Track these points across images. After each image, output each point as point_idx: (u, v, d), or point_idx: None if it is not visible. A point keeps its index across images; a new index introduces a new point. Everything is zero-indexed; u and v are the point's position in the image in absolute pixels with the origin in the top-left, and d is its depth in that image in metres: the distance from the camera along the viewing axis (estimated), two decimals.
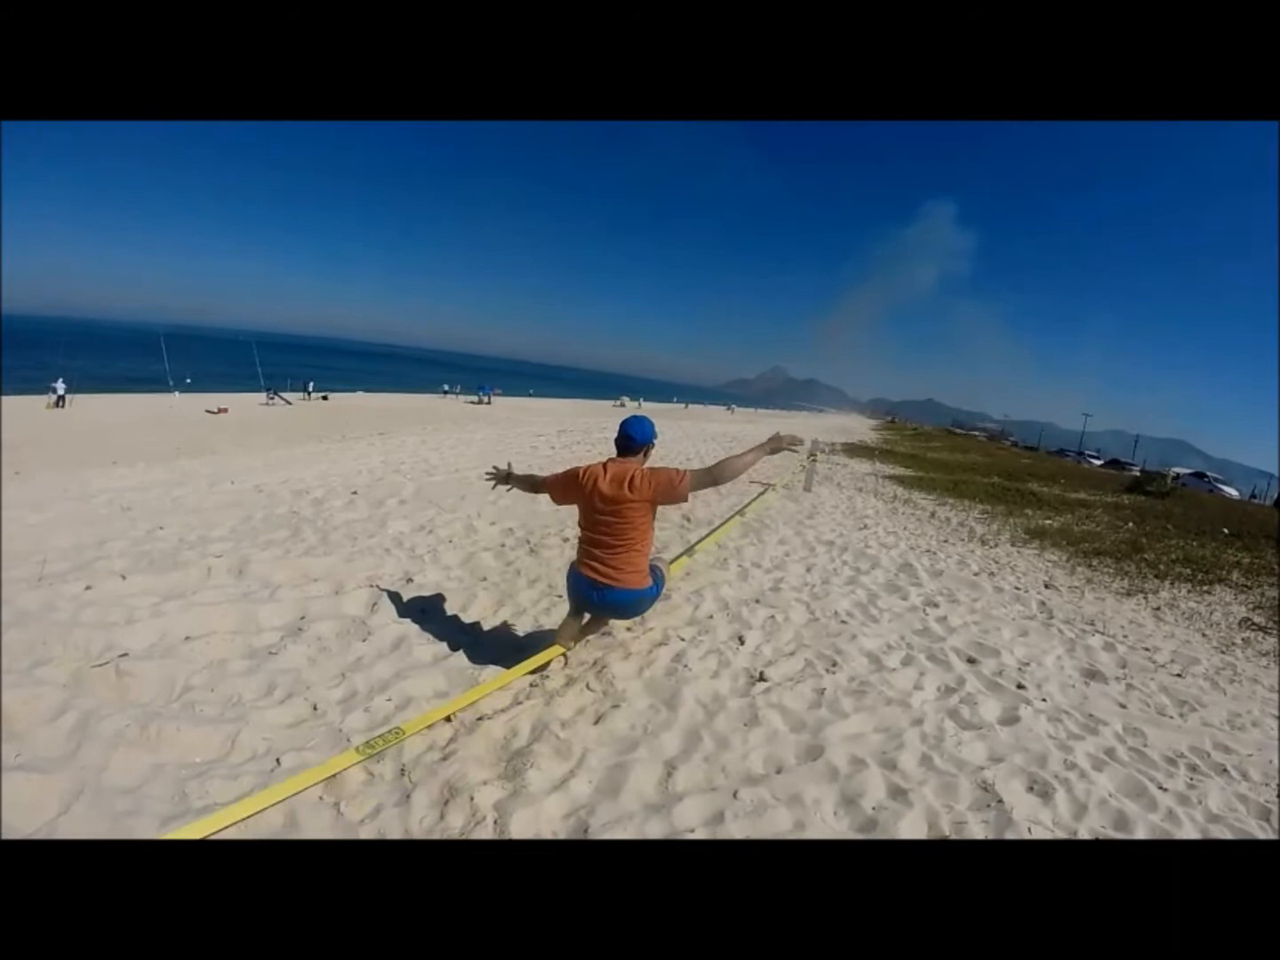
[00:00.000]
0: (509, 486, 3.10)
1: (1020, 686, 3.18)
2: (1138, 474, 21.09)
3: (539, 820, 1.92)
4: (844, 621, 3.81)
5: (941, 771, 2.36)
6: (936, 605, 4.33)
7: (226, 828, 1.63)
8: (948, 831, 2.06)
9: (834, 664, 3.17)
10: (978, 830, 2.07)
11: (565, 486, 2.77)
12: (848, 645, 3.43)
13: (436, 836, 1.84)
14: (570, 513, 3.27)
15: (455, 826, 1.87)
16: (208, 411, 17.52)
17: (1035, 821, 2.14)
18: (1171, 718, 3.10)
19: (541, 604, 3.60)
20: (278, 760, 2.06)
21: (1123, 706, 3.14)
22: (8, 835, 1.59)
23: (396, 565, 3.90)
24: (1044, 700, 3.07)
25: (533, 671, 2.71)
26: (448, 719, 2.35)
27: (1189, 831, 2.19)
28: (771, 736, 2.49)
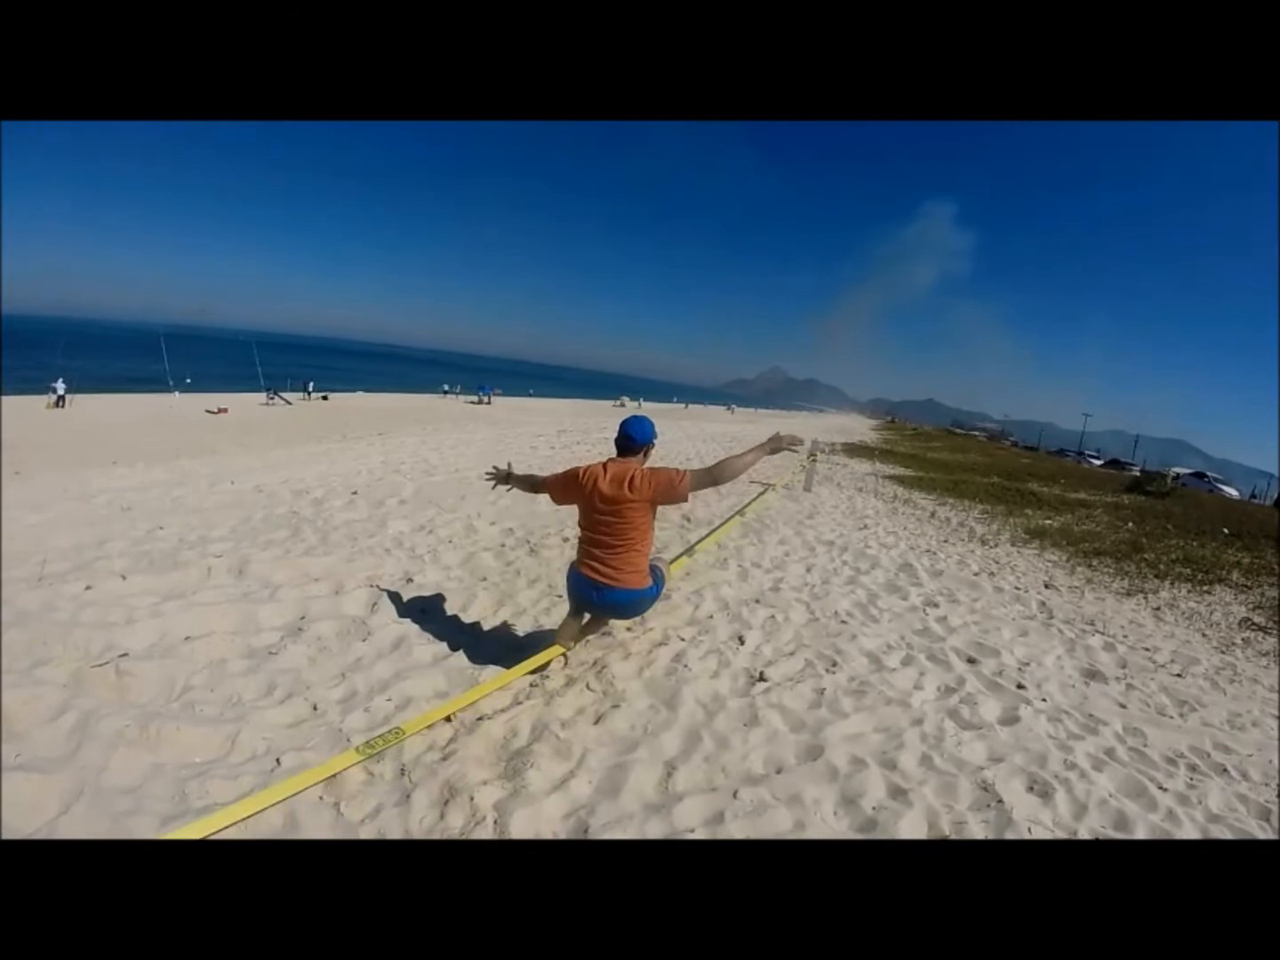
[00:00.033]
0: (509, 487, 3.10)
1: (1020, 686, 3.18)
2: (1138, 474, 21.10)
3: (539, 820, 1.92)
4: (844, 621, 3.81)
5: (941, 771, 2.36)
6: (936, 605, 4.33)
7: (226, 828, 1.63)
8: (948, 831, 2.06)
9: (834, 664, 3.17)
10: (978, 830, 2.07)
11: (565, 486, 2.77)
12: (848, 645, 3.44)
13: (436, 836, 1.84)
14: (570, 513, 3.28)
15: (455, 826, 1.87)
16: (208, 411, 17.52)
17: (1035, 821, 2.14)
18: (1171, 718, 3.10)
19: (541, 604, 3.60)
20: (278, 760, 2.06)
21: (1123, 706, 3.14)
22: (8, 835, 1.59)
23: (396, 565, 3.90)
24: (1044, 700, 3.07)
25: (533, 671, 2.71)
26: (448, 719, 2.35)
27: (1189, 831, 2.19)
28: (771, 736, 2.49)
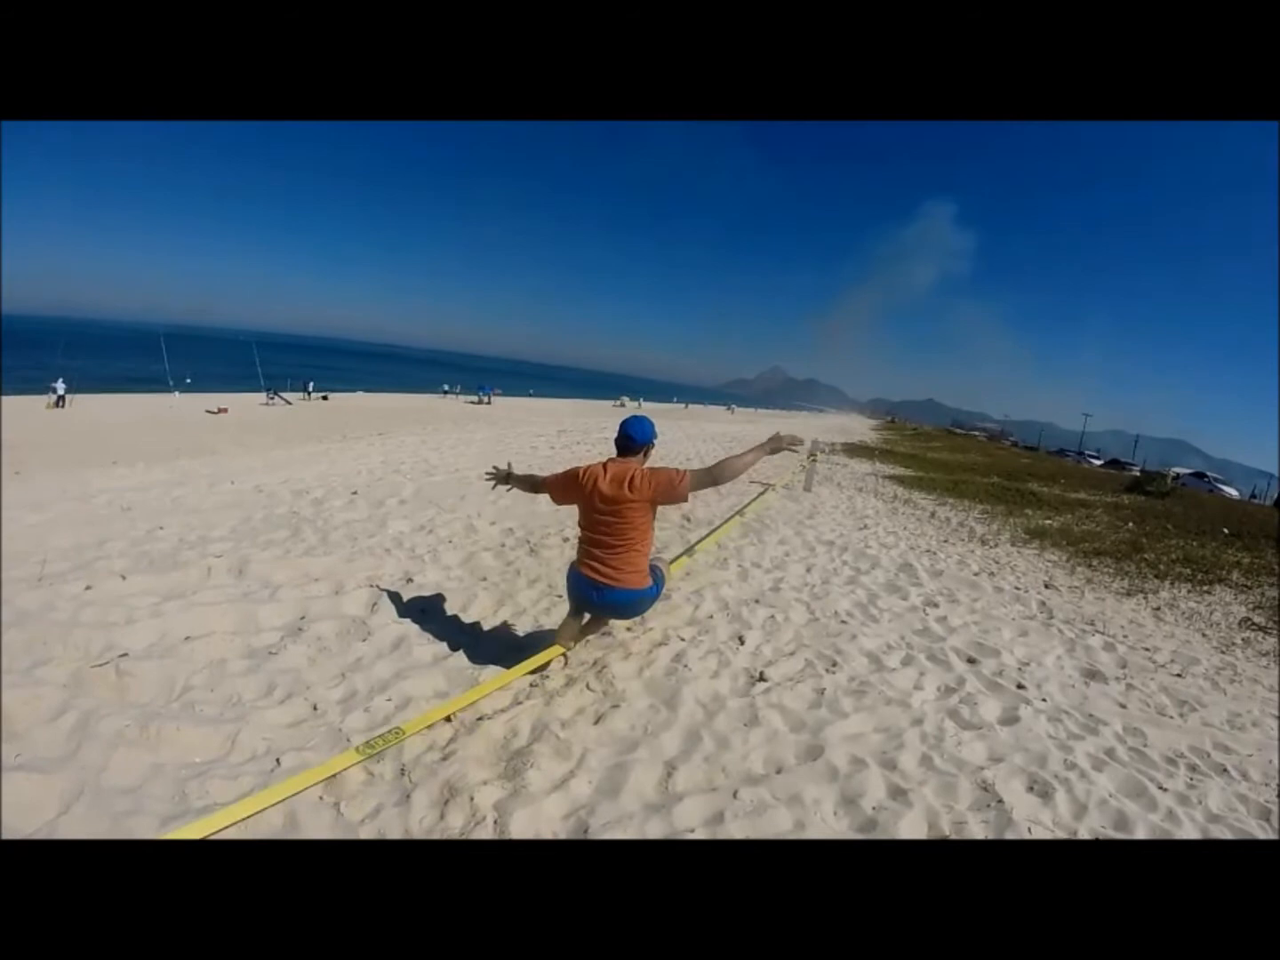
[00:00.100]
0: (509, 487, 3.11)
1: (1020, 686, 3.18)
2: (1138, 474, 21.10)
3: (539, 820, 1.92)
4: (844, 621, 3.81)
5: (941, 771, 2.36)
6: (936, 605, 4.33)
7: (226, 828, 1.63)
8: (948, 831, 2.06)
9: (834, 664, 3.17)
10: (978, 830, 2.07)
11: (565, 487, 2.77)
12: (848, 645, 3.43)
13: (436, 836, 1.84)
14: (570, 513, 3.28)
15: (455, 826, 1.87)
16: (208, 412, 17.51)
17: (1035, 821, 2.14)
18: (1171, 718, 3.10)
19: (541, 604, 3.59)
20: (278, 760, 2.06)
21: (1123, 706, 3.14)
22: (8, 835, 1.59)
23: (396, 565, 3.90)
24: (1044, 700, 3.07)
25: (533, 671, 2.71)
26: (448, 719, 2.35)
27: (1189, 831, 2.19)
28: (771, 736, 2.49)
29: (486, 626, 3.31)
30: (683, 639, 3.27)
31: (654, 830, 1.93)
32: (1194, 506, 11.68)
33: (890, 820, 2.06)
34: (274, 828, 1.79)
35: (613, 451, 2.79)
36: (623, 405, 37.82)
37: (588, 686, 2.72)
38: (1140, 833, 2.15)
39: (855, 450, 18.76)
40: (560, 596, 3.56)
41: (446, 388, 33.89)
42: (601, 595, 2.67)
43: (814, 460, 9.78)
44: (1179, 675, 3.66)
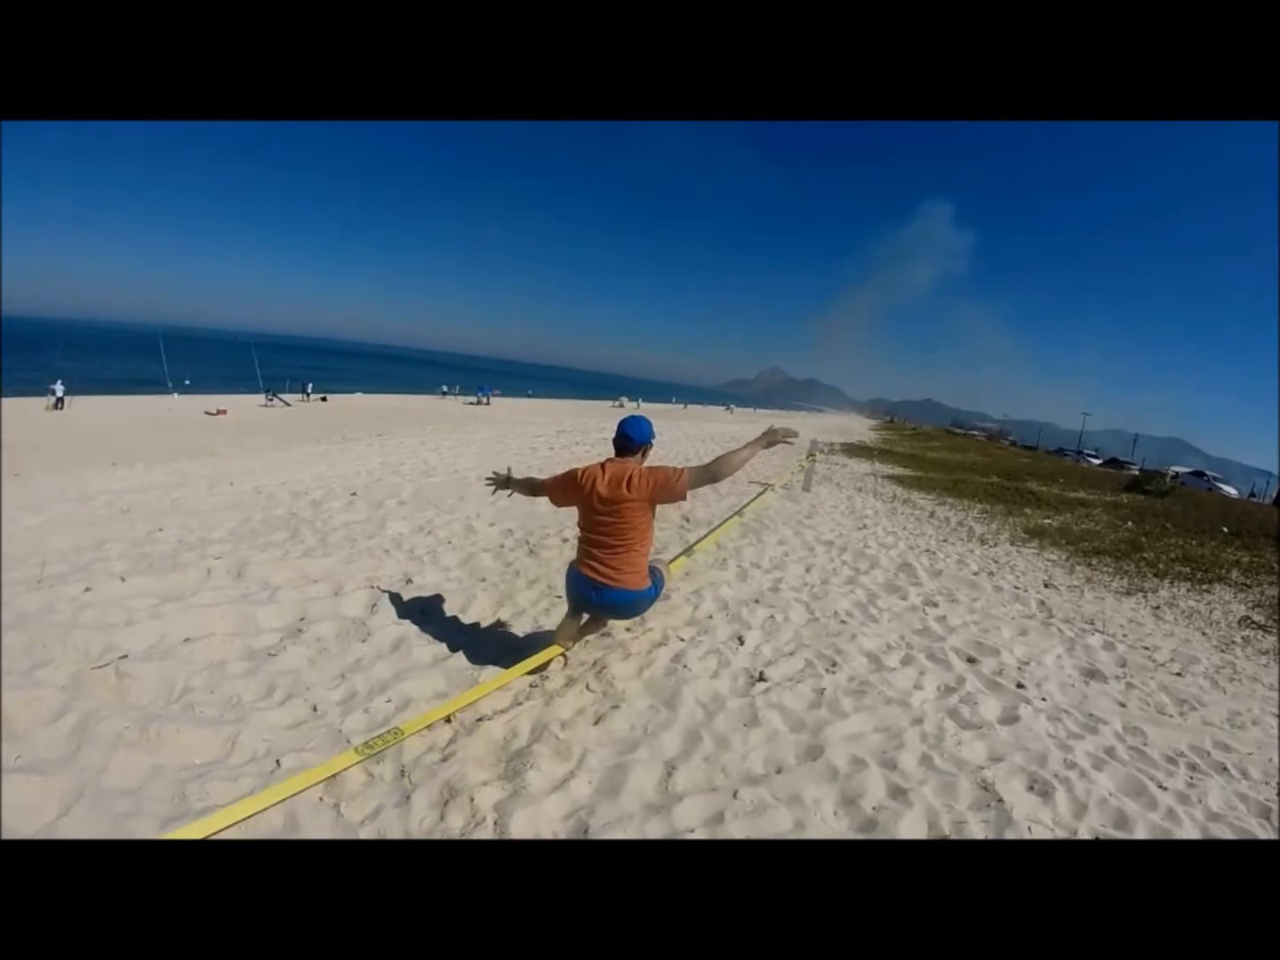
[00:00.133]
0: (509, 491, 3.11)
1: (1020, 686, 3.18)
2: (1137, 473, 21.13)
3: (539, 821, 1.92)
4: (843, 621, 3.81)
5: (941, 771, 2.36)
6: (936, 605, 4.33)
7: (227, 828, 1.63)
8: (948, 831, 2.06)
9: (834, 664, 3.17)
10: (978, 830, 2.07)
11: (564, 488, 2.77)
12: (847, 645, 3.44)
13: (436, 837, 1.84)
14: (569, 513, 3.28)
15: (455, 827, 1.87)
16: (207, 413, 17.50)
17: (1035, 821, 2.14)
18: (1171, 716, 3.10)
19: (541, 604, 3.59)
20: (278, 761, 2.06)
21: (1122, 705, 3.14)
22: (8, 837, 1.59)
23: (396, 566, 3.90)
24: (1044, 699, 3.07)
25: (532, 672, 2.71)
26: (447, 720, 2.35)
27: (1189, 830, 2.19)
28: (771, 736, 2.49)
29: (486, 627, 3.31)
30: (682, 639, 3.27)
31: (654, 830, 1.93)
32: (1193, 505, 11.70)
33: (890, 820, 2.06)
34: (274, 828, 1.79)
35: (611, 452, 2.79)
36: (621, 406, 37.82)
37: (587, 687, 2.72)
38: (1140, 832, 2.15)
39: (854, 450, 18.77)
40: (559, 597, 3.56)
41: (445, 388, 33.90)
42: (600, 595, 2.67)
43: (813, 460, 9.78)
44: (1179, 674, 3.66)
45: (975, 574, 5.31)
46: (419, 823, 1.88)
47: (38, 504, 4.81)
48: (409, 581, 3.70)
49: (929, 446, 26.95)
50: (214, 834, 1.59)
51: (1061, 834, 2.11)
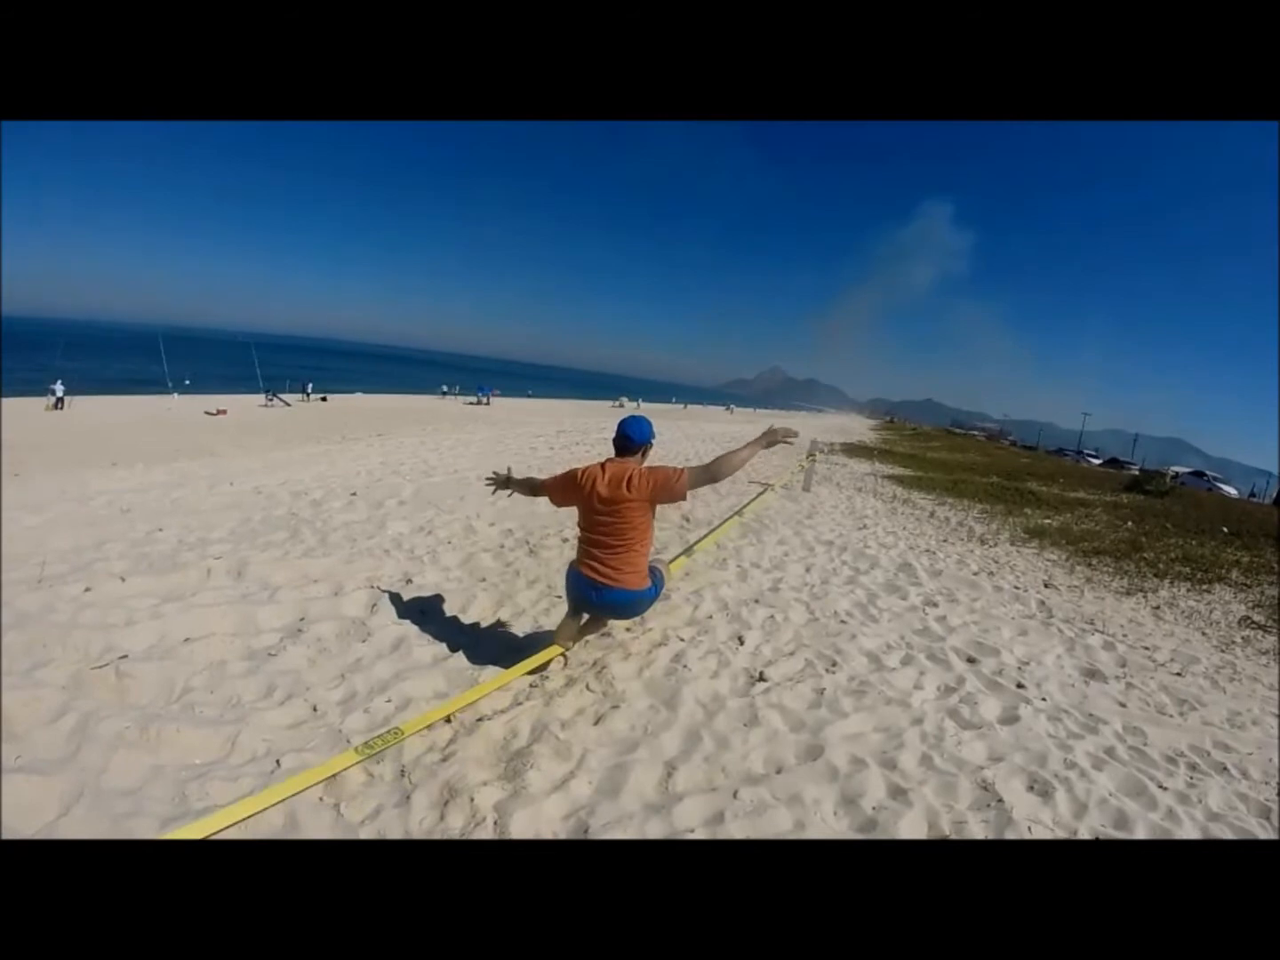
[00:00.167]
0: (509, 492, 3.11)
1: (1020, 686, 3.18)
2: (1137, 473, 21.14)
3: (539, 821, 1.92)
4: (843, 621, 3.81)
5: (941, 771, 2.36)
6: (936, 605, 4.33)
7: (227, 828, 1.63)
8: (948, 831, 2.06)
9: (834, 664, 3.17)
10: (978, 830, 2.07)
11: (564, 488, 2.77)
12: (847, 645, 3.44)
13: (436, 837, 1.84)
14: (569, 513, 3.28)
15: (455, 827, 1.87)
16: (207, 413, 17.50)
17: (1035, 821, 2.14)
18: (1171, 716, 3.10)
19: (541, 605, 3.59)
20: (278, 761, 2.06)
21: (1122, 705, 3.14)
22: (8, 837, 1.59)
23: (396, 566, 3.90)
24: (1044, 699, 3.07)
25: (532, 672, 2.71)
26: (447, 719, 2.35)
27: (1189, 830, 2.19)
28: (771, 736, 2.49)
29: (486, 627, 3.31)
30: (682, 639, 3.27)
31: (654, 830, 1.93)
32: (1193, 505, 11.70)
33: (890, 820, 2.06)
34: (274, 828, 1.79)
35: (611, 452, 2.79)
36: (621, 406, 37.82)
37: (587, 687, 2.72)
38: (1140, 832, 2.15)
39: (854, 450, 18.77)
40: (559, 597, 3.56)
41: (445, 388, 33.91)
42: (600, 595, 2.67)
43: (813, 460, 9.79)
44: (1179, 674, 3.66)
45: (975, 574, 5.31)
46: (419, 823, 1.88)
47: (38, 504, 4.81)
48: (409, 581, 3.70)
49: (929, 446, 26.95)
50: (214, 834, 1.59)
51: (1061, 834, 2.11)
